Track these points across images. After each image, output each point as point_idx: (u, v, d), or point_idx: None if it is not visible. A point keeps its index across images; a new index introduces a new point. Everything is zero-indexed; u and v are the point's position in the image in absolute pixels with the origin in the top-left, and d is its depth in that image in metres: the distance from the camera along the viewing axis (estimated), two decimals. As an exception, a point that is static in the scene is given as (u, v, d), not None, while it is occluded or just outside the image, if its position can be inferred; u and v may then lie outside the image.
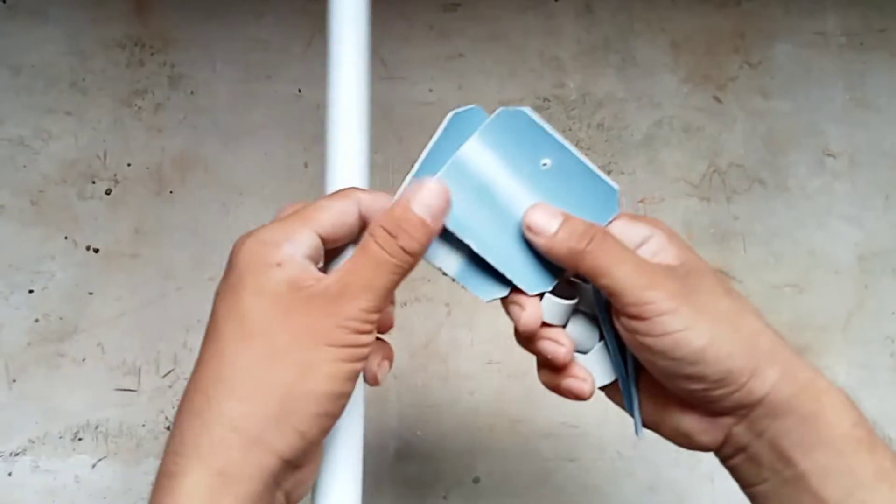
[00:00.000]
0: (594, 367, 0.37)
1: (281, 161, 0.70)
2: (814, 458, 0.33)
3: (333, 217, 0.33)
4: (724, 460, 0.37)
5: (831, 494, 0.33)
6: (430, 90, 0.72)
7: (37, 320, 0.65)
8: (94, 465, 0.63)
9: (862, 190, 0.72)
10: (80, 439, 0.63)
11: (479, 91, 0.72)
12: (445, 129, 0.35)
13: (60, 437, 0.63)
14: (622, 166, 0.71)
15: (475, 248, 0.35)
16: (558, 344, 0.36)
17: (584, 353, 0.38)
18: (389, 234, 0.32)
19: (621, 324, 0.35)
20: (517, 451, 0.65)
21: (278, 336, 0.30)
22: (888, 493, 0.32)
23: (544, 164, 0.35)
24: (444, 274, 0.35)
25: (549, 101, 0.72)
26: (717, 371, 0.33)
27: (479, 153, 0.35)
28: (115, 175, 0.68)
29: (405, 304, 0.67)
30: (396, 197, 0.33)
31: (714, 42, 0.74)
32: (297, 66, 0.72)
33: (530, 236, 0.35)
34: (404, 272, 0.32)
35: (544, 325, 0.36)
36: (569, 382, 0.37)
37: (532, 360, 0.68)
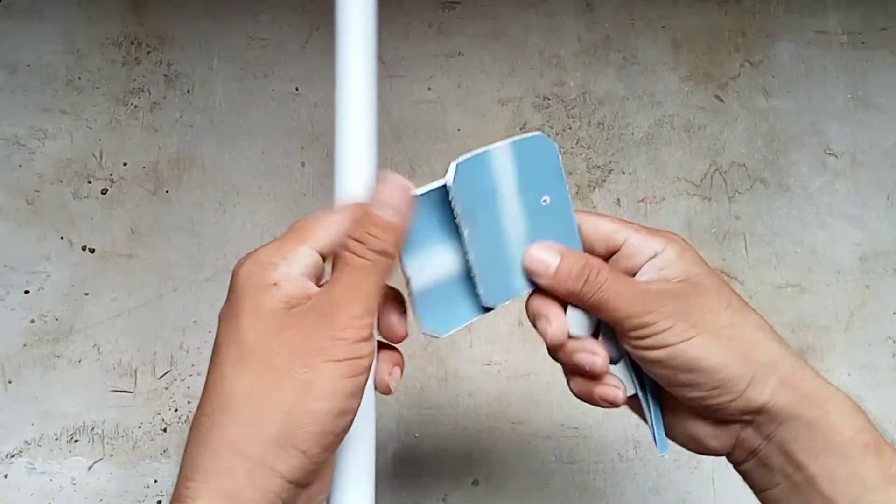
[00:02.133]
0: (624, 377, 0.39)
1: (278, 160, 0.69)
2: (821, 463, 0.34)
3: (331, 233, 0.33)
4: (737, 465, 0.38)
5: (840, 498, 0.34)
6: (430, 88, 0.71)
7: (32, 321, 0.65)
8: (90, 467, 0.62)
9: (864, 189, 0.71)
10: (76, 441, 0.63)
11: (479, 89, 0.71)
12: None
13: (56, 439, 0.63)
14: (623, 165, 0.71)
15: (465, 237, 0.35)
16: (594, 354, 0.37)
17: (614, 363, 0.39)
18: (359, 241, 0.33)
19: (626, 343, 0.36)
20: (517, 453, 0.64)
21: (276, 356, 0.31)
22: None
23: (544, 201, 0.38)
24: (407, 284, 0.36)
25: (549, 99, 0.71)
26: (711, 380, 0.35)
27: (504, 159, 0.37)
28: (111, 174, 0.68)
29: (404, 305, 0.67)
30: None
31: (715, 40, 0.74)
32: (295, 64, 0.71)
33: (533, 277, 0.37)
34: (385, 272, 0.33)
35: (573, 337, 0.38)
36: (603, 390, 0.38)
37: (531, 361, 0.67)
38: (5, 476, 0.62)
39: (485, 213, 0.36)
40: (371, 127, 0.38)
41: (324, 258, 0.34)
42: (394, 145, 0.70)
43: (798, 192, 0.71)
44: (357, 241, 0.33)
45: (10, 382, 0.63)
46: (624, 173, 0.70)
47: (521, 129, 0.71)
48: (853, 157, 0.72)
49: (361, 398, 0.32)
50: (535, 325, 0.38)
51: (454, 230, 0.36)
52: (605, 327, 0.38)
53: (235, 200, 0.68)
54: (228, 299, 0.33)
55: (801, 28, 0.74)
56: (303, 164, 0.69)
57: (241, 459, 0.30)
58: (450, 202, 0.35)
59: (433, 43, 0.72)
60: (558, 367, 0.67)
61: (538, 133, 0.38)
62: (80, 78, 0.70)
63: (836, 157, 0.72)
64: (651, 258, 0.37)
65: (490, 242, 0.36)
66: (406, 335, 0.36)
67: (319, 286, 0.33)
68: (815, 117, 0.72)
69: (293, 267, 0.32)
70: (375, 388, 0.35)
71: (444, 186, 0.35)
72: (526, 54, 0.72)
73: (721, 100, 0.73)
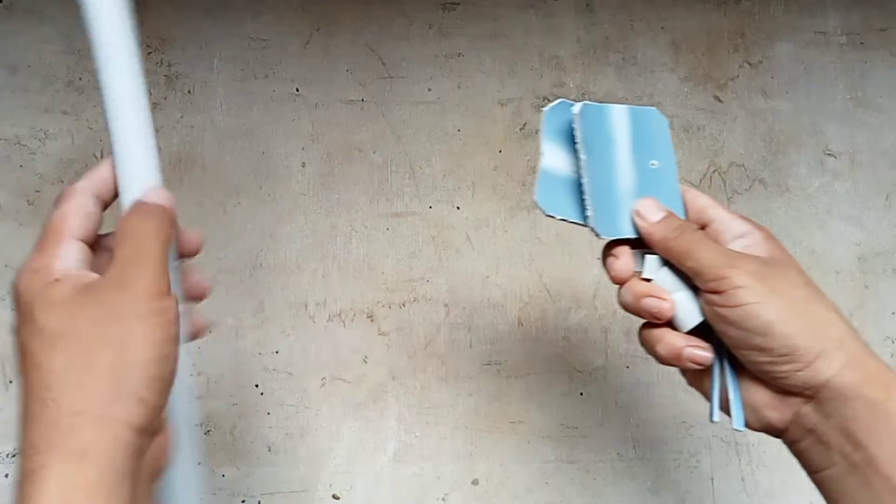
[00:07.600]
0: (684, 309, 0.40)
1: (278, 160, 0.70)
2: (883, 443, 0.35)
3: (79, 217, 0.35)
4: (794, 444, 0.39)
5: None
6: (429, 89, 0.72)
7: (33, 321, 0.65)
8: (90, 467, 0.63)
9: (862, 190, 0.71)
10: (76, 441, 0.63)
11: (479, 90, 0.72)
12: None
13: (57, 439, 0.63)
14: (622, 166, 0.71)
15: (581, 166, 0.41)
16: (661, 300, 0.40)
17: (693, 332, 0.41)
18: (137, 214, 0.35)
19: (704, 299, 0.38)
20: (516, 452, 0.64)
21: (82, 329, 0.32)
22: None
23: (653, 164, 0.43)
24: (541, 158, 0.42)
25: (549, 100, 0.72)
26: (782, 345, 0.36)
27: (622, 118, 0.42)
28: (112, 175, 0.68)
29: (404, 305, 0.67)
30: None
31: (714, 41, 0.74)
32: (295, 64, 0.71)
33: (636, 218, 0.40)
34: (162, 237, 0.35)
35: (646, 280, 0.41)
36: (691, 351, 0.39)
37: (531, 361, 0.67)
38: (6, 476, 0.62)
39: (601, 154, 0.41)
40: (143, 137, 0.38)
41: (91, 247, 0.35)
42: (394, 145, 0.70)
43: (797, 193, 0.71)
44: (135, 214, 0.35)
45: (10, 382, 0.64)
46: (623, 174, 0.71)
47: (520, 129, 0.71)
48: (852, 157, 0.72)
49: (178, 344, 0.33)
50: (604, 265, 0.42)
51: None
52: (691, 293, 0.40)
53: (236, 201, 0.68)
54: (17, 312, 0.33)
55: (800, 29, 0.74)
56: (303, 165, 0.69)
57: (82, 418, 0.30)
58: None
59: (433, 44, 0.72)
60: (558, 366, 0.67)
61: (653, 108, 0.43)
62: (80, 78, 0.70)
63: (835, 157, 0.72)
64: (738, 237, 0.40)
65: (603, 180, 0.41)
66: (205, 293, 0.40)
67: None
68: (814, 118, 0.73)
69: (67, 260, 0.34)
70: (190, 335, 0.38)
71: (572, 109, 0.41)
72: (526, 55, 0.73)
73: (720, 100, 0.73)
